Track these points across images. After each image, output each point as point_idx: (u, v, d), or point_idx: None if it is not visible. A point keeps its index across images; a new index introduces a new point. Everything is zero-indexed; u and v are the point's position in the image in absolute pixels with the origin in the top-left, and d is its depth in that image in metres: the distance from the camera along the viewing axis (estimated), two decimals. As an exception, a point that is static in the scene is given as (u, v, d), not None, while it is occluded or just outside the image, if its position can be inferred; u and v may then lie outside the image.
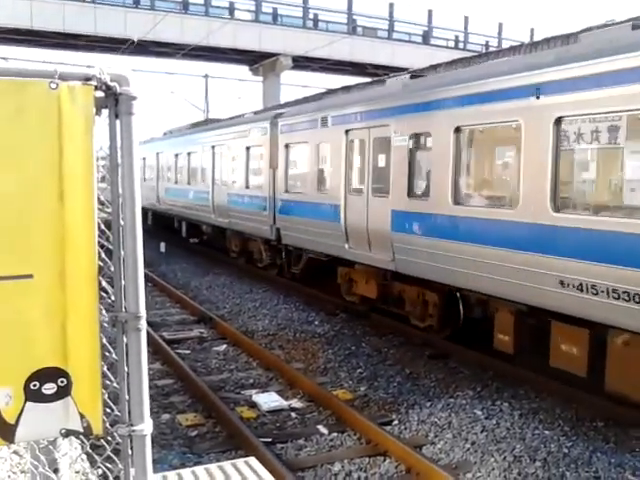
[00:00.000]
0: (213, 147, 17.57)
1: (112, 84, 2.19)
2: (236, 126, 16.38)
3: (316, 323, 11.28)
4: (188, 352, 9.62)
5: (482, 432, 6.54)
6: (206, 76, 38.93)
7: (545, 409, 7.19)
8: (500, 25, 40.82)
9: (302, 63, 35.52)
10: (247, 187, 15.30)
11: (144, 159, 24.71)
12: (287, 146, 13.29)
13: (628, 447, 6.27)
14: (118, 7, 31.12)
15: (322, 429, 6.72)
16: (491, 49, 33.36)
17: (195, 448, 6.22)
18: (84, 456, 3.66)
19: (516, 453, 6.05)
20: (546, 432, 6.55)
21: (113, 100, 2.22)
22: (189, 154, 19.89)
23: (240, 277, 15.97)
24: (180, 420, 6.89)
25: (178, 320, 11.69)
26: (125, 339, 2.24)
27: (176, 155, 21.29)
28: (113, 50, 31.86)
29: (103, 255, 2.21)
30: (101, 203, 2.22)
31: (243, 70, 38.90)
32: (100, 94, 2.19)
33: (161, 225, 23.92)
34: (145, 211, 21.64)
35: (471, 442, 6.32)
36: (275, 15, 35.34)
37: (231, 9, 34.54)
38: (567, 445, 6.23)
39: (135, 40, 27.96)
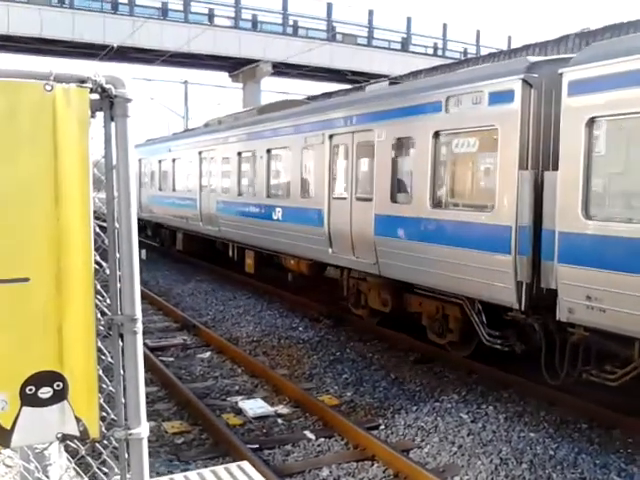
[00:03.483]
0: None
1: (107, 86, 2.18)
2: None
3: (300, 329, 11.27)
4: (172, 359, 9.55)
5: (468, 435, 6.58)
6: (186, 82, 38.83)
7: (530, 412, 7.25)
8: (478, 32, 41.35)
9: (282, 69, 35.63)
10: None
11: None
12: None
13: (612, 448, 6.34)
14: (96, 13, 30.99)
15: (309, 435, 6.70)
16: (469, 56, 33.72)
17: (182, 456, 6.17)
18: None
19: (502, 456, 6.09)
20: (531, 434, 6.60)
21: (108, 103, 2.21)
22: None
23: (223, 284, 15.91)
24: (166, 427, 6.83)
25: (161, 327, 11.61)
26: (121, 342, 2.22)
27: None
28: (92, 56, 31.67)
29: (98, 258, 2.20)
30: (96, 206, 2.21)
31: (223, 76, 38.94)
32: (95, 96, 2.18)
33: (143, 234, 23.48)
34: None
35: (458, 445, 6.35)
36: (255, 22, 35.44)
37: (210, 15, 34.59)
38: (552, 447, 6.29)
39: (114, 46, 27.81)
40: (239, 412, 7.35)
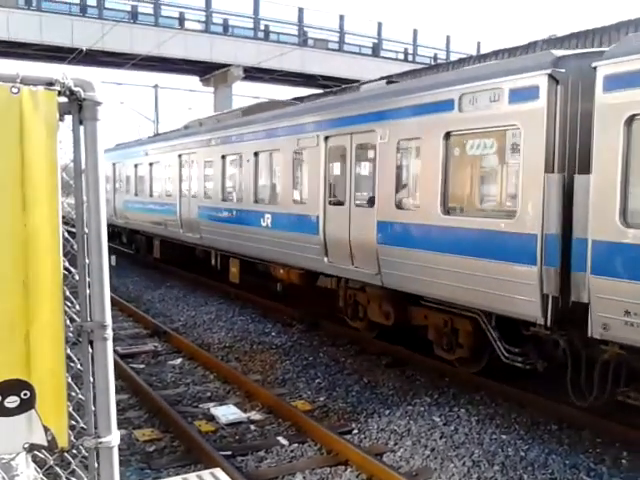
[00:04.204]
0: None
1: (76, 89, 2.14)
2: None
3: (273, 334, 11.23)
4: (142, 366, 9.43)
5: (441, 438, 6.61)
6: (156, 86, 38.50)
7: (501, 414, 7.33)
8: (448, 38, 41.74)
9: (253, 74, 35.54)
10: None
11: None
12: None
13: (581, 448, 6.43)
14: (64, 15, 30.55)
15: (282, 440, 6.67)
16: (439, 61, 34.07)
17: (153, 464, 6.09)
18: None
19: (475, 458, 6.13)
20: (503, 436, 6.66)
21: (77, 106, 2.17)
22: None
23: (194, 289, 15.79)
24: (137, 435, 6.74)
25: (131, 334, 11.46)
26: (91, 349, 2.18)
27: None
28: (61, 59, 31.19)
29: (67, 264, 2.16)
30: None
31: (194, 81, 38.69)
32: (64, 99, 2.15)
33: (118, 241, 22.92)
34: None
35: (430, 448, 6.38)
36: (226, 26, 35.29)
37: (181, 19, 34.34)
38: (524, 448, 6.35)
39: (83, 49, 27.46)
40: (211, 419, 7.29)
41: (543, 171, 6.42)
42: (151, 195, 18.50)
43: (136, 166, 19.90)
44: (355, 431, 6.91)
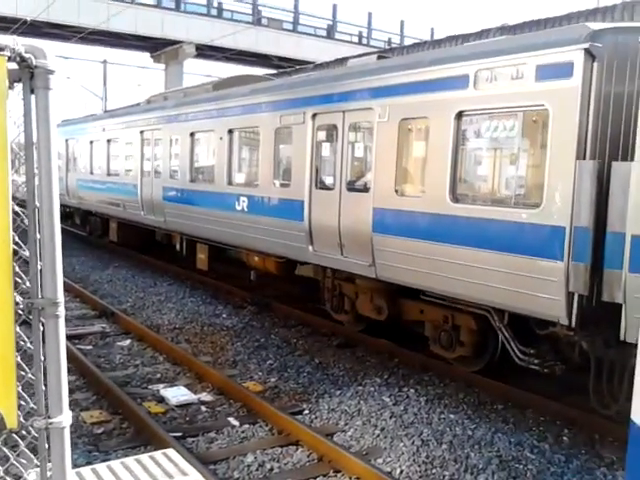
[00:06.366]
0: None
1: (27, 55, 2.05)
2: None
3: (224, 316, 11.15)
4: (90, 348, 9.24)
5: (391, 418, 6.71)
6: (105, 62, 37.47)
7: (449, 394, 7.48)
8: (402, 23, 41.95)
9: (206, 52, 35.00)
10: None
11: None
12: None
13: (526, 427, 6.63)
14: (8, -16, 29.35)
15: (233, 421, 6.65)
16: (393, 45, 34.17)
17: (102, 445, 5.99)
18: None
19: (424, 437, 6.25)
20: (451, 416, 6.80)
21: (28, 73, 2.08)
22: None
23: (143, 270, 15.53)
24: (84, 417, 6.61)
25: (78, 315, 11.20)
26: (41, 327, 2.11)
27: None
28: (3, 30, 29.98)
29: (17, 239, 2.08)
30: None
31: (144, 57, 37.82)
32: (13, 66, 2.05)
33: (70, 222, 21.99)
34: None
35: (380, 428, 6.47)
36: (178, 2, 34.52)
37: (132, -7, 33.42)
38: (471, 427, 6.50)
39: (27, 20, 26.43)
40: (161, 400, 7.21)
41: (574, 157, 5.82)
42: (109, 174, 17.34)
43: (92, 142, 18.70)
44: (306, 411, 6.94)
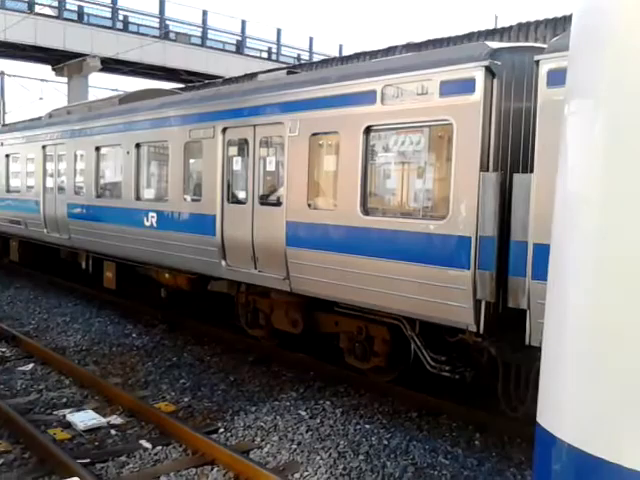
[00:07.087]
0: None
1: None
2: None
3: (134, 335, 10.79)
4: (-13, 374, 8.69)
5: (307, 432, 6.67)
6: (2, 74, 35.73)
7: (365, 404, 7.53)
8: (311, 39, 42.46)
9: (112, 65, 34.05)
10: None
11: None
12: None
13: (439, 433, 6.77)
14: None
15: (145, 444, 6.40)
16: (302, 62, 34.54)
17: (2, 478, 5.61)
18: None
19: (340, 449, 6.25)
20: (367, 426, 6.84)
21: None
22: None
23: (47, 290, 14.81)
24: (-19, 449, 6.19)
25: (-26, 339, 10.53)
26: None
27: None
28: None
29: None
30: None
31: (46, 69, 36.39)
32: None
33: None
34: None
35: (297, 442, 6.41)
36: (81, 13, 33.49)
37: (31, 3, 32.11)
38: (386, 437, 6.57)
39: None
40: (67, 426, 6.85)
41: (478, 169, 6.02)
42: (8, 191, 16.62)
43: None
44: (221, 430, 6.79)
